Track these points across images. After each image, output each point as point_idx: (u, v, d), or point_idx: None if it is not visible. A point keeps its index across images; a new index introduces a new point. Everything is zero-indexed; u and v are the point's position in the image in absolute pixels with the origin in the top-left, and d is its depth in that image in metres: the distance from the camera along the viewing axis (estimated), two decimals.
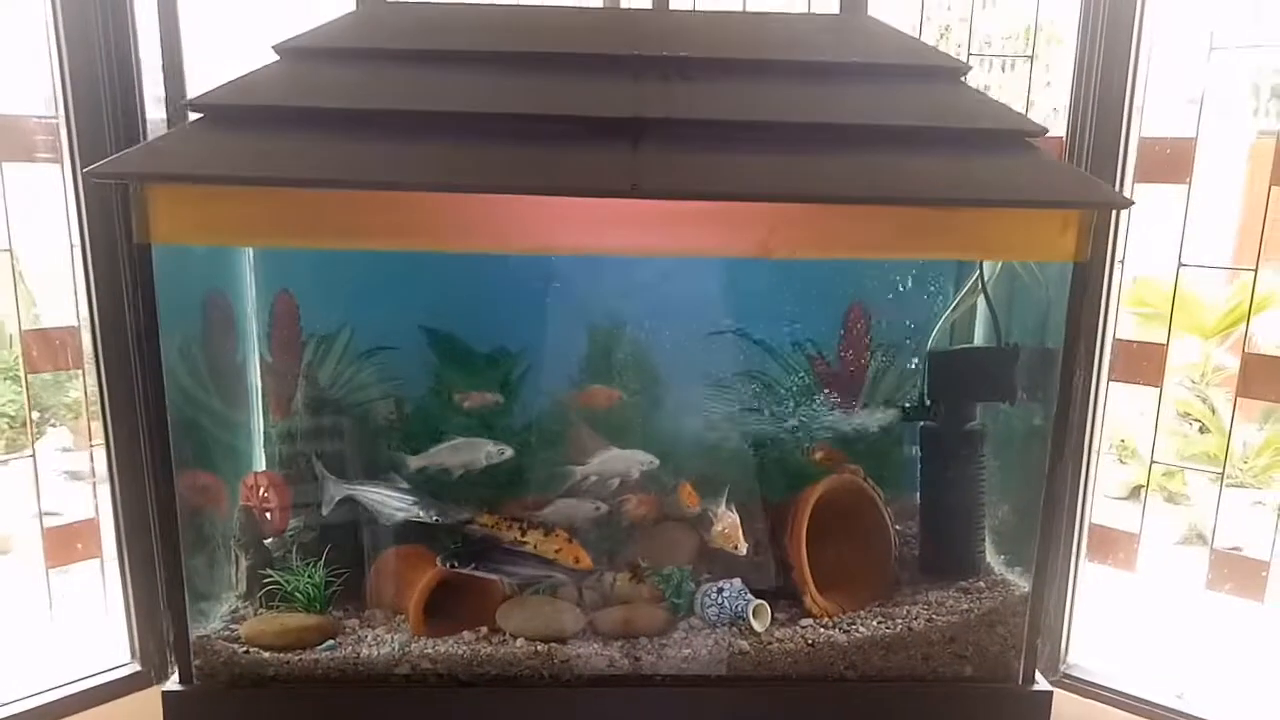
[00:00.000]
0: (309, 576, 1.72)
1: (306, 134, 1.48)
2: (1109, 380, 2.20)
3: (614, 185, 1.42)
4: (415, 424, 1.96)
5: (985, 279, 1.81)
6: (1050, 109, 2.52)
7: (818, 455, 1.88)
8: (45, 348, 1.99)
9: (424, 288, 1.93)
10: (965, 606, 1.71)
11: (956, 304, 1.89)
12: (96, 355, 1.88)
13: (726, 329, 1.96)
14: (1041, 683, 1.69)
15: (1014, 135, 1.54)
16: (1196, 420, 4.28)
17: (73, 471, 2.99)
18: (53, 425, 3.93)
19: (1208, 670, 2.27)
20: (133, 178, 1.45)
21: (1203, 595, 2.23)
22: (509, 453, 1.79)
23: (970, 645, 1.68)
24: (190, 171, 1.44)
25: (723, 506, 1.73)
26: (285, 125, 1.49)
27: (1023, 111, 1.81)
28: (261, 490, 1.81)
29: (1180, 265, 2.20)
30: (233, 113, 1.51)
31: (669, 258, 1.77)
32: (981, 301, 1.84)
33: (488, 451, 1.79)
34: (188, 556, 1.64)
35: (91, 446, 2.05)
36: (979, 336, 1.91)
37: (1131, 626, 2.43)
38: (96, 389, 1.97)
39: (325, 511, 1.75)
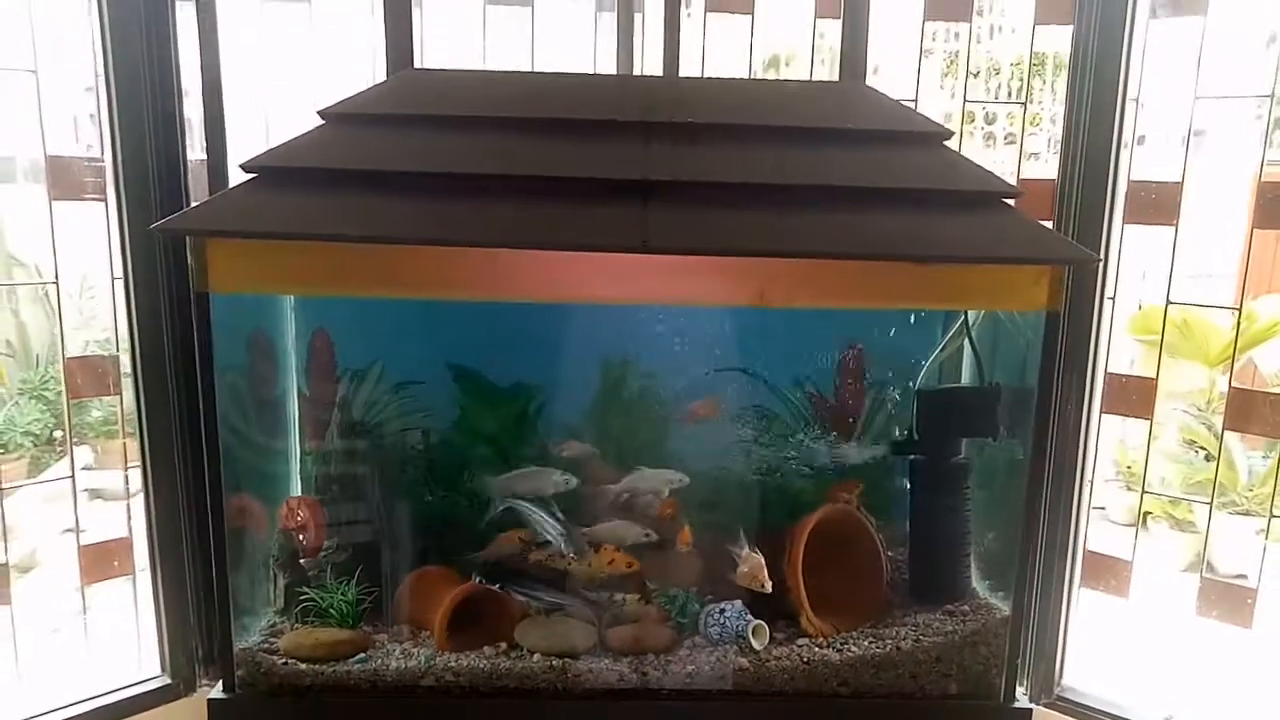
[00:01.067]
0: (342, 594, 1.86)
1: (349, 193, 1.64)
2: (1101, 413, 2.33)
3: (627, 242, 1.57)
4: (440, 451, 2.12)
5: (970, 324, 1.95)
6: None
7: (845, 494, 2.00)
8: (87, 374, 2.16)
9: (449, 329, 2.09)
10: (951, 628, 1.84)
11: (944, 346, 2.03)
12: (136, 380, 2.05)
13: (731, 367, 2.10)
14: (1022, 701, 1.81)
15: (991, 196, 1.69)
16: (1202, 448, 4.37)
17: (95, 489, 3.16)
18: (76, 444, 4.09)
19: (1197, 693, 2.38)
20: (198, 232, 1.62)
21: (1193, 621, 2.35)
22: (574, 482, 1.93)
23: (955, 664, 1.81)
24: (248, 228, 1.60)
25: (746, 548, 1.86)
26: (330, 185, 1.65)
27: (1018, 160, 1.97)
28: (298, 514, 1.96)
29: (1169, 303, 2.34)
30: (283, 174, 1.67)
31: (676, 306, 1.93)
32: (967, 344, 1.98)
33: (554, 480, 1.93)
34: (231, 574, 1.79)
35: (127, 468, 2.21)
36: (965, 376, 2.05)
37: (1124, 651, 2.54)
38: (135, 411, 2.13)
39: (491, 513, 1.95)
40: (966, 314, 1.96)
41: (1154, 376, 2.34)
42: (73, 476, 2.20)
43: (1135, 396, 2.36)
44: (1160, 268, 2.31)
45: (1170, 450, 4.38)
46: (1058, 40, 2.19)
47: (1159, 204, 2.26)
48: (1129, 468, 4.32)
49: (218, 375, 1.71)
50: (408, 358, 2.10)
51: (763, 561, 1.83)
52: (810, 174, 1.69)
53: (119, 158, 1.97)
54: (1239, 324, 2.39)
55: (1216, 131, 2.30)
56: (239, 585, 1.86)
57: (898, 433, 2.08)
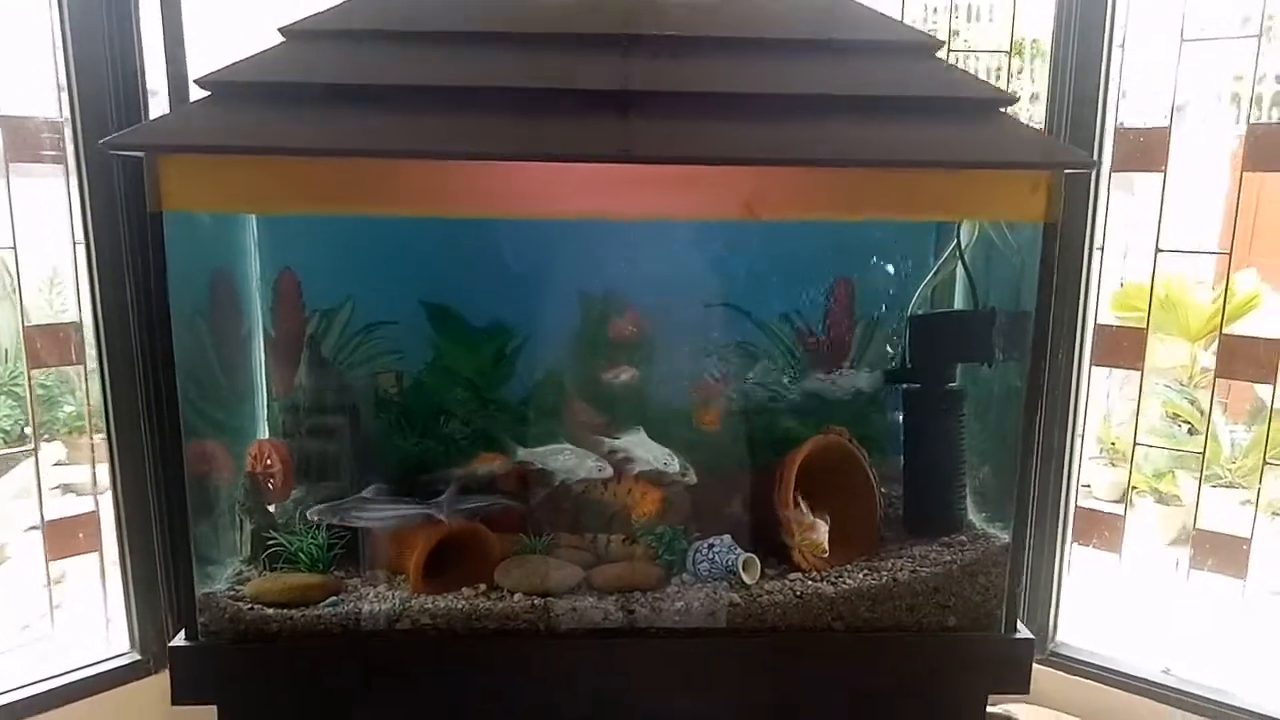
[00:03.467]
0: (312, 538, 1.77)
1: (310, 108, 1.55)
2: (1091, 365, 2.29)
3: (607, 151, 1.49)
4: (414, 397, 2.03)
5: (962, 246, 1.89)
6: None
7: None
8: (47, 340, 2.07)
9: (422, 266, 2.01)
10: (948, 558, 1.78)
11: (936, 270, 1.97)
12: (98, 329, 1.96)
13: (717, 302, 2.03)
14: (1023, 631, 1.75)
15: (986, 103, 1.63)
16: (1186, 422, 4.36)
17: (67, 484, 3.04)
18: (46, 440, 3.97)
19: (1193, 645, 2.35)
20: (148, 148, 1.52)
21: (1185, 580, 2.32)
22: (608, 471, 1.82)
23: (953, 596, 1.74)
24: (202, 142, 1.51)
25: (807, 514, 1.77)
26: (290, 100, 1.56)
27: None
28: (266, 458, 1.86)
29: (1158, 251, 2.30)
30: (240, 89, 1.58)
31: (658, 222, 1.85)
32: (959, 268, 1.92)
33: (589, 466, 1.81)
34: (194, 522, 1.69)
35: (92, 435, 2.13)
36: (958, 302, 1.99)
37: (1118, 606, 2.50)
38: (98, 373, 2.04)
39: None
40: (959, 236, 1.90)
41: (1143, 328, 2.31)
42: (35, 450, 2.11)
43: (1126, 344, 2.33)
44: (1148, 222, 2.28)
45: (1153, 425, 4.37)
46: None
47: (1146, 150, 2.23)
48: (1113, 444, 4.31)
49: (178, 318, 1.61)
50: (379, 297, 2.00)
51: (824, 527, 1.76)
52: (799, 84, 1.62)
53: (76, 108, 1.89)
54: (1230, 265, 2.35)
55: (1202, 78, 2.28)
56: (204, 535, 1.76)
57: (890, 362, 2.01)
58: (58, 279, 2.34)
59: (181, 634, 1.68)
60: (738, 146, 1.54)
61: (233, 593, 1.73)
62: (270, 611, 1.68)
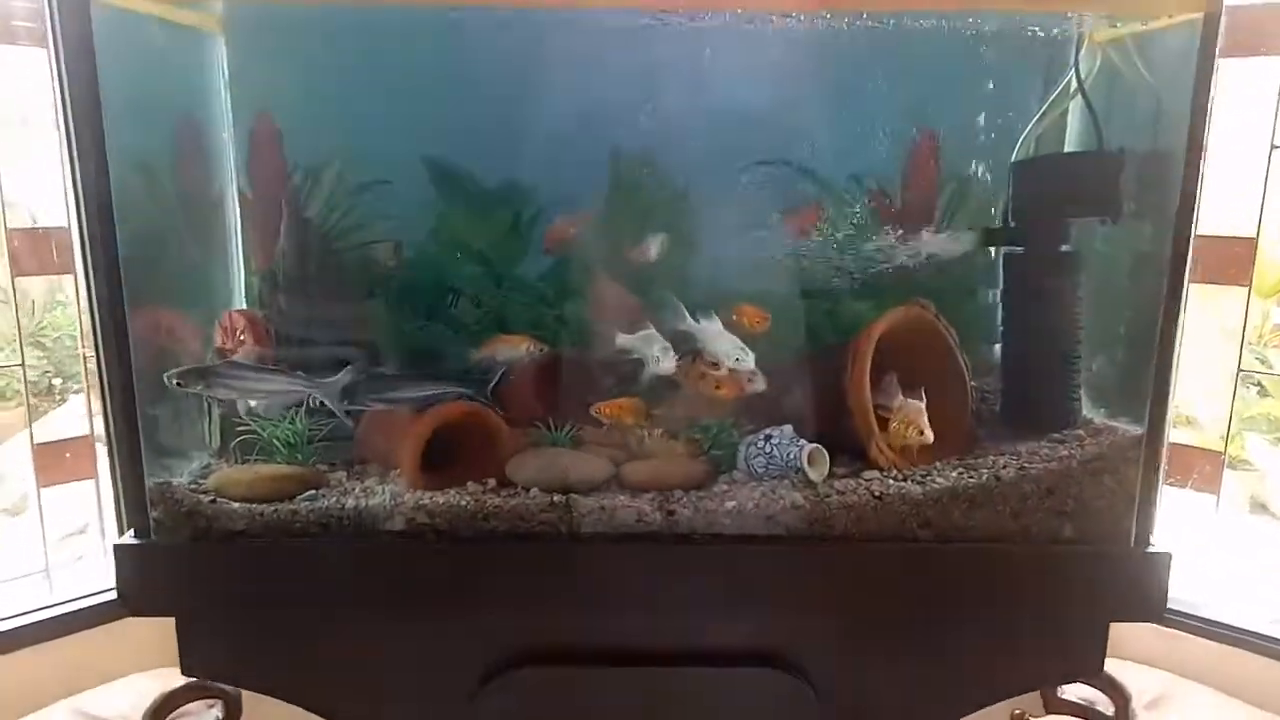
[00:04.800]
0: (290, 423, 1.48)
1: None
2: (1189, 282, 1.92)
3: None
4: (413, 269, 1.72)
5: (1081, 77, 1.53)
6: None
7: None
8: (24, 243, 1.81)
9: (423, 115, 1.69)
10: (1065, 453, 1.44)
11: (1043, 113, 1.61)
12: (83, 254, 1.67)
13: (772, 160, 1.69)
14: (1158, 545, 1.41)
15: None
16: (1257, 383, 3.95)
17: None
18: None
19: None
20: None
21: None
22: (672, 358, 1.50)
23: (1071, 499, 1.41)
24: None
25: (899, 396, 1.45)
26: None
27: None
28: (239, 331, 1.57)
29: (1273, 148, 1.91)
30: None
31: (702, 59, 1.52)
32: (1077, 105, 1.56)
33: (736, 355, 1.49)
34: (149, 406, 1.41)
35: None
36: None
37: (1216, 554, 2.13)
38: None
39: None
40: (1077, 64, 1.54)
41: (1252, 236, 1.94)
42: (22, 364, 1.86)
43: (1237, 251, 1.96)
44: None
45: (1218, 387, 3.96)
46: None
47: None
48: (1186, 418, 3.91)
49: (122, 160, 1.33)
50: (373, 152, 1.69)
51: (922, 407, 1.43)
52: None
53: None
54: None
55: None
56: (160, 422, 1.48)
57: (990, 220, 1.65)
58: None
59: (130, 532, 1.40)
60: None
61: (194, 485, 1.45)
62: (236, 506, 1.39)
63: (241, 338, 1.58)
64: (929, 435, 1.42)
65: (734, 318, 1.53)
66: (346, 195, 1.69)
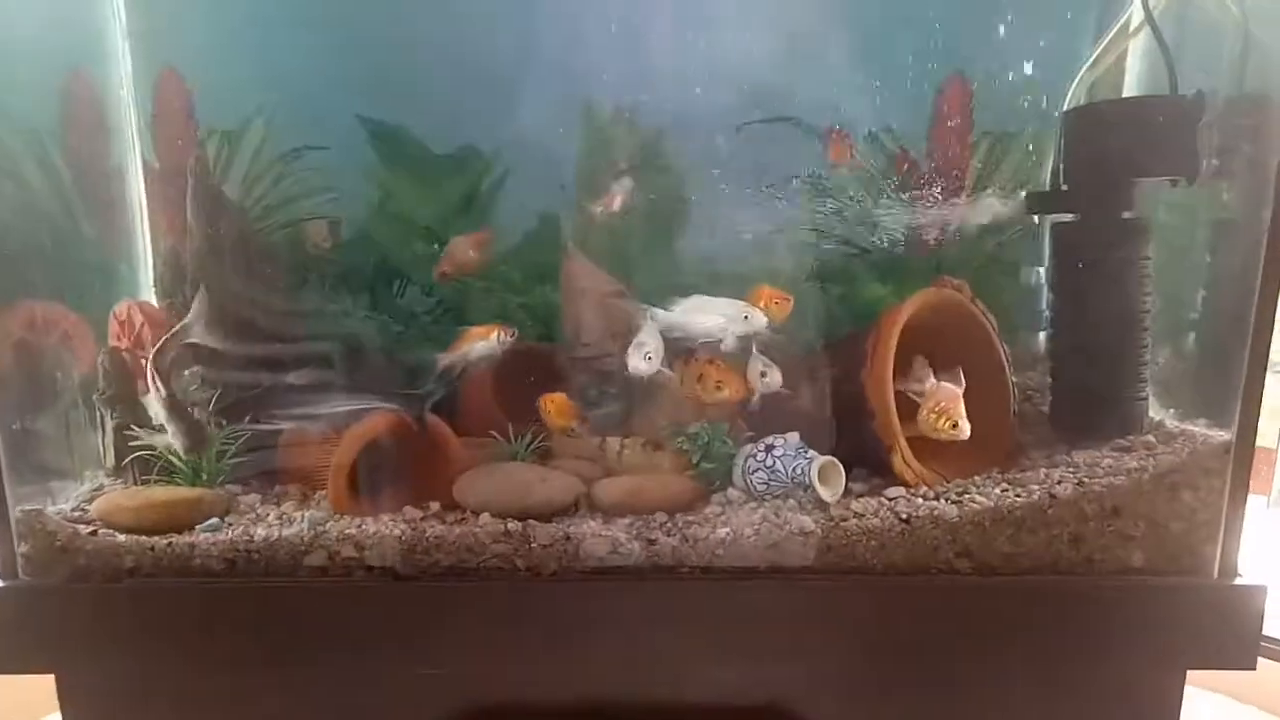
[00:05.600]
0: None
1: None
2: None
3: None
4: (353, 251, 1.47)
5: (1148, 7, 1.26)
6: None
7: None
8: None
9: (362, 69, 1.44)
10: (1133, 465, 1.17)
11: (1100, 54, 1.34)
12: None
13: (768, 116, 1.43)
14: (1249, 575, 1.15)
15: None
16: None
17: None
18: None
19: None
20: None
21: None
22: (762, 319, 1.23)
23: (1141, 521, 1.14)
24: None
25: (930, 379, 1.20)
26: None
27: None
28: (137, 325, 1.32)
29: None
30: None
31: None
32: (1133, 53, 1.29)
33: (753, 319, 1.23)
34: (21, 415, 1.17)
35: None
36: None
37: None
38: None
39: None
40: None
41: None
42: None
43: None
44: None
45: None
46: None
47: None
48: None
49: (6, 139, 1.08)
50: (303, 113, 1.44)
51: (958, 392, 1.18)
52: None
53: None
54: None
55: None
56: (41, 436, 1.24)
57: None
58: None
59: None
60: None
61: (77, 513, 1.20)
62: (123, 539, 1.14)
63: (139, 332, 1.33)
64: (965, 428, 1.17)
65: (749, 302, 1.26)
66: (271, 164, 1.44)
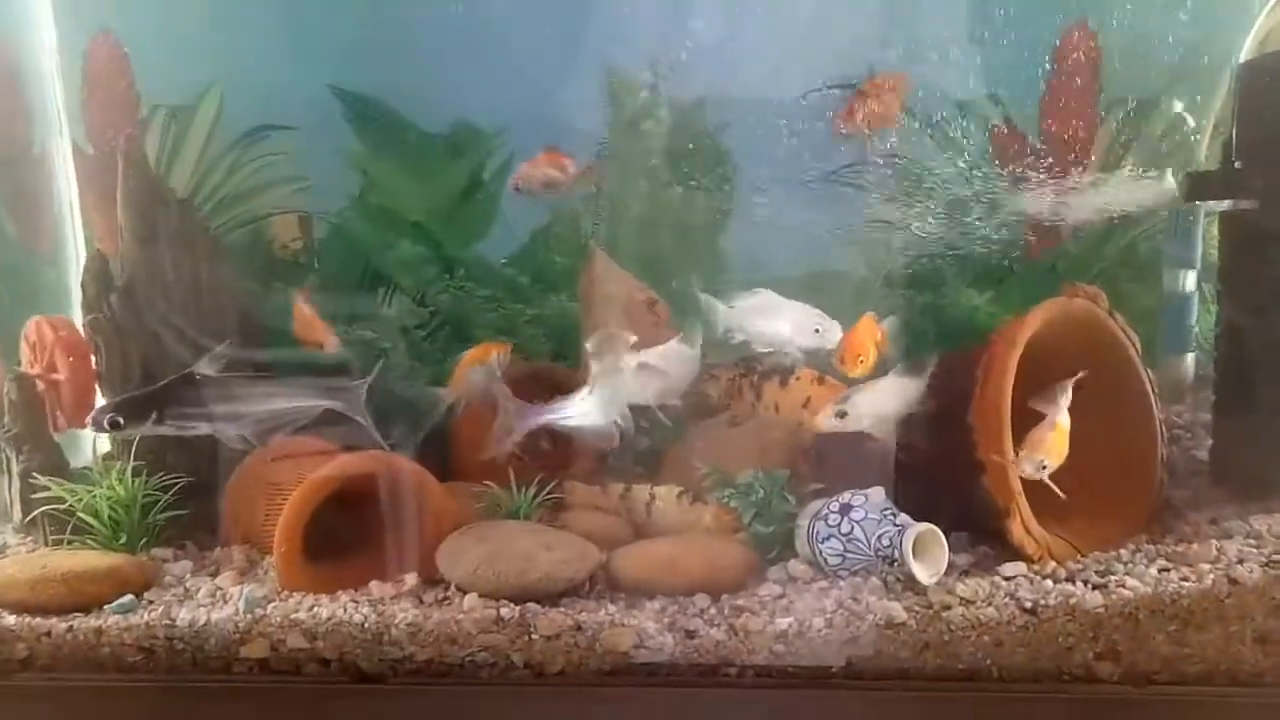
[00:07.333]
0: (117, 483, 0.98)
1: None
2: None
3: None
4: (334, 249, 1.22)
5: None
6: None
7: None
8: None
9: (336, 33, 1.18)
10: None
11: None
12: None
13: (828, 85, 1.15)
14: None
15: None
16: None
17: None
18: None
19: None
20: None
21: None
22: (836, 335, 1.01)
23: None
24: None
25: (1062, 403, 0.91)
26: None
27: None
28: (48, 351, 1.07)
29: None
30: None
31: None
32: None
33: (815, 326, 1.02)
34: None
35: None
36: None
37: None
38: None
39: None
40: None
41: None
42: None
43: None
44: None
45: None
46: None
47: None
48: None
49: None
50: (266, 84, 1.18)
51: (1054, 420, 0.90)
52: None
53: None
54: None
55: None
56: None
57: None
58: None
59: None
60: None
61: None
62: (12, 621, 0.90)
63: (51, 359, 1.07)
64: (1052, 466, 0.86)
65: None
66: (229, 148, 1.19)
